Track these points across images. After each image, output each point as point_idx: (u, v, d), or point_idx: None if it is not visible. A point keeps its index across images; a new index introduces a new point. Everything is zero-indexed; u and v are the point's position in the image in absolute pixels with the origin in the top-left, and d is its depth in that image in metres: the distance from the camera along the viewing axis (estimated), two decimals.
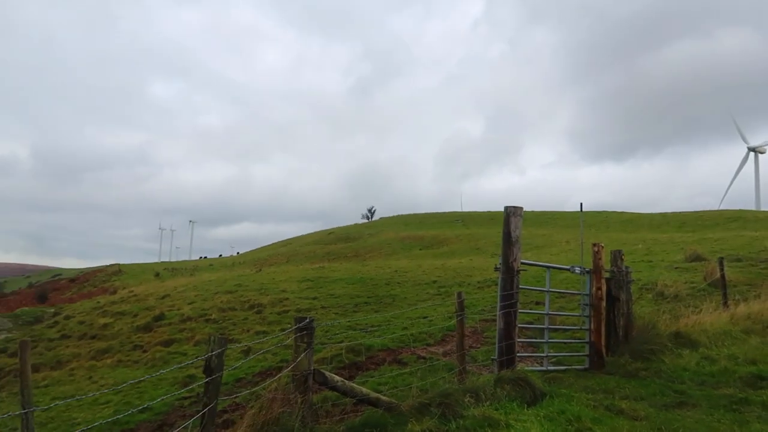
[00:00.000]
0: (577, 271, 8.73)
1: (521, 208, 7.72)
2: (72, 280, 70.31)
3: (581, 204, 9.52)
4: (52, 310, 26.61)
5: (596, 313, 8.64)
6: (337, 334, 11.83)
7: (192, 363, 10.82)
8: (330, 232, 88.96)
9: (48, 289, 57.43)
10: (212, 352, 4.42)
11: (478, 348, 9.98)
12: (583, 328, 8.94)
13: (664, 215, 56.13)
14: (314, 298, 17.88)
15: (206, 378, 4.38)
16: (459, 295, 7.47)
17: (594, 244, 8.81)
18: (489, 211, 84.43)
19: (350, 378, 7.99)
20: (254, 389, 8.53)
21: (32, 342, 17.63)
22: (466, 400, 6.01)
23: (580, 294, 9.24)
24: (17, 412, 6.81)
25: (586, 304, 8.81)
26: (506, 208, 7.66)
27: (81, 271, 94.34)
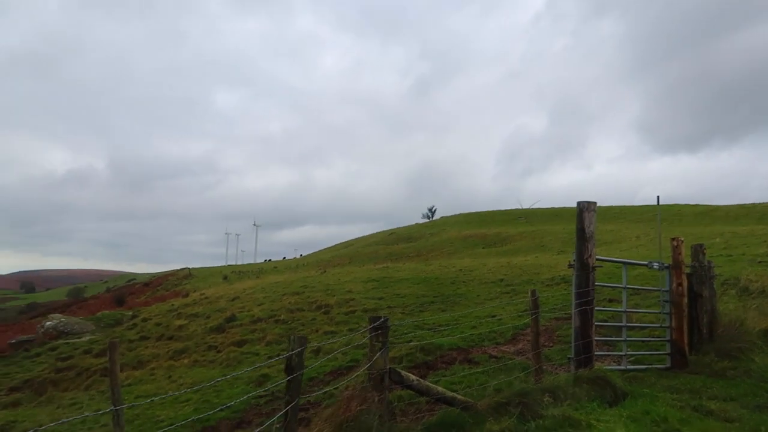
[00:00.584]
0: (655, 267, 8.38)
1: (595, 203, 7.48)
2: (146, 284, 73.55)
3: (658, 197, 9.13)
4: (130, 313, 27.89)
5: (677, 310, 8.27)
6: (406, 333, 11.83)
7: (266, 364, 11.10)
8: (391, 233, 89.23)
9: (124, 293, 60.33)
10: (292, 351, 4.51)
11: (551, 347, 9.75)
12: (663, 325, 8.58)
13: (743, 206, 53.06)
14: (380, 298, 17.97)
15: (287, 376, 4.47)
16: (533, 293, 7.32)
17: (673, 239, 8.44)
18: (553, 208, 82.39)
19: (422, 377, 7.96)
20: (326, 388, 8.67)
21: None
22: (544, 399, 5.88)
23: (658, 290, 8.87)
24: (108, 410, 7.18)
25: (666, 301, 8.45)
26: (579, 203, 7.44)
27: (153, 275, 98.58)
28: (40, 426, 9.72)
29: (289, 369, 4.48)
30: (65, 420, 6.92)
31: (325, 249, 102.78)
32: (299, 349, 4.50)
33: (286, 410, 4.37)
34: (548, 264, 23.36)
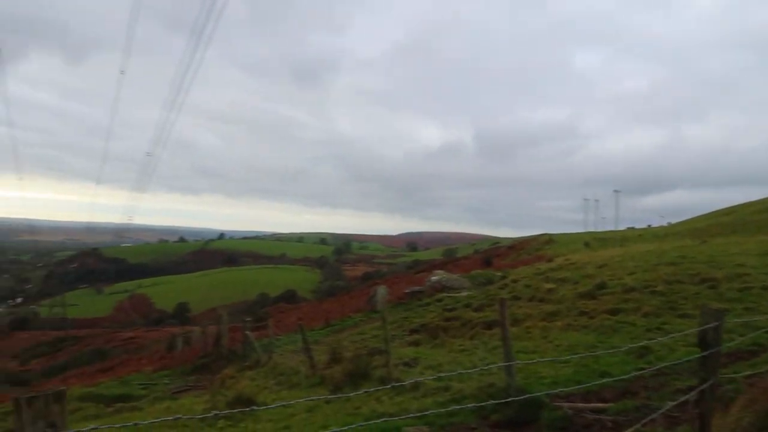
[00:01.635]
0: None
1: None
2: (510, 248, 77.63)
3: None
4: (500, 273, 29.95)
5: None
6: None
7: (645, 336, 10.52)
8: None
9: (491, 255, 64.89)
10: (707, 325, 4.12)
11: None
12: None
13: None
14: None
15: (702, 352, 4.12)
16: None
17: None
18: None
19: None
20: (725, 372, 7.73)
21: (489, 301, 20.22)
22: None
23: None
24: (503, 364, 7.87)
25: None
26: None
27: (515, 239, 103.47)
28: (440, 365, 11.29)
29: (703, 344, 4.11)
30: (468, 370, 7.82)
31: (699, 216, 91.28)
32: (715, 324, 4.09)
33: (702, 388, 4.04)
34: None
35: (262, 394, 10.41)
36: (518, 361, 8.15)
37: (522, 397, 5.73)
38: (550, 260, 33.30)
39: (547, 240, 73.17)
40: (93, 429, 2.44)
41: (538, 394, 6.62)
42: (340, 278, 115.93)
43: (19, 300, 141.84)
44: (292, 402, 7.38)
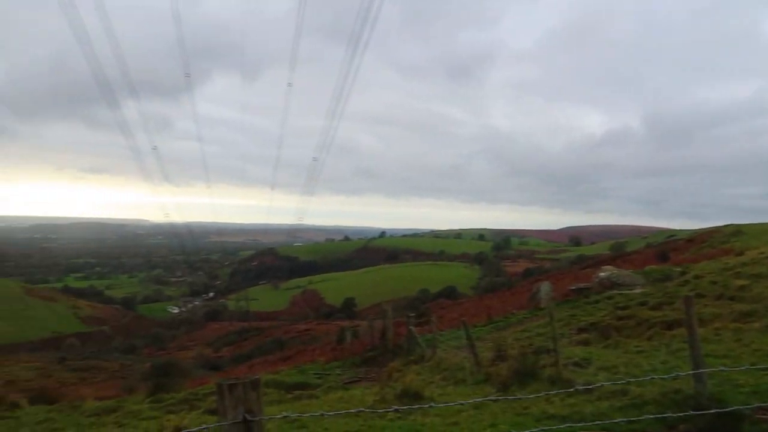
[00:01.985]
0: None
1: None
2: (688, 241, 70.43)
3: None
4: (679, 269, 27.33)
5: None
6: None
7: None
8: None
9: (667, 249, 59.46)
10: None
11: None
12: None
13: None
14: None
15: None
16: None
17: None
18: None
19: None
20: None
21: (667, 299, 18.53)
22: None
23: None
24: (691, 372, 7.16)
25: None
26: None
27: (695, 231, 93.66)
28: (614, 366, 10.58)
29: None
30: (649, 374, 7.23)
31: None
32: None
33: None
34: None
35: (428, 388, 10.55)
36: (719, 368, 7.32)
37: (725, 410, 5.11)
38: (739, 254, 29.65)
39: (735, 231, 65.20)
40: (285, 416, 2.58)
41: (747, 407, 5.86)
42: (499, 274, 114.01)
43: (211, 294, 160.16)
44: (468, 401, 7.38)
